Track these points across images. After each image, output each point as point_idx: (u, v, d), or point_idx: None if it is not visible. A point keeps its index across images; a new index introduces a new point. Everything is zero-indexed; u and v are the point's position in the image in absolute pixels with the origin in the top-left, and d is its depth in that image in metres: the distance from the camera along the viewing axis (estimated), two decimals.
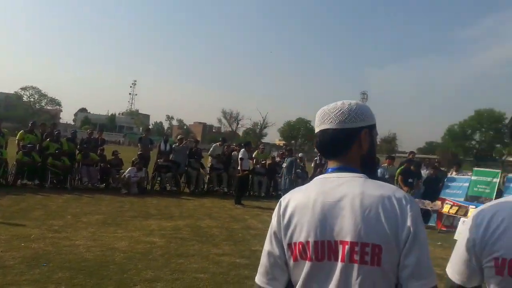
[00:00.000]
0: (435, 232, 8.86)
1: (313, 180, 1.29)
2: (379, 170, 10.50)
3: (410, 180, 10.16)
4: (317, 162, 13.63)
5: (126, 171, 11.19)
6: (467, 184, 9.93)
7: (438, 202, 9.56)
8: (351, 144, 1.24)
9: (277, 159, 14.11)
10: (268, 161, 13.56)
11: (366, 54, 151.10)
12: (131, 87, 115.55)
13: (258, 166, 12.96)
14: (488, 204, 1.24)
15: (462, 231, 1.24)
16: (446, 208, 9.20)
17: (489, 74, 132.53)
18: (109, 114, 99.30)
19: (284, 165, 11.75)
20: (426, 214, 9.93)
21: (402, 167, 10.67)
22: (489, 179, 9.71)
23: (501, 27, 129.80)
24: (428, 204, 9.50)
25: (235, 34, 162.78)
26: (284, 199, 1.26)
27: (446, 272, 1.27)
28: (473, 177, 10.05)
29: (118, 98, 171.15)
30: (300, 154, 14.41)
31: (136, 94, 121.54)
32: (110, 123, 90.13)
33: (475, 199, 9.42)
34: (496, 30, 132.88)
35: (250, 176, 11.62)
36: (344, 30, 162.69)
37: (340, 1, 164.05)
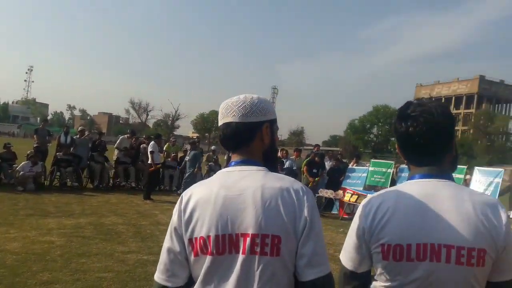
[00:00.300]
0: (337, 219, 9.50)
1: (216, 173, 1.30)
2: (287, 162, 10.93)
3: (314, 170, 10.77)
4: (230, 155, 13.69)
5: (20, 165, 10.13)
6: (365, 175, 10.81)
7: (340, 192, 10.27)
8: (253, 138, 1.26)
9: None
10: (180, 154, 13.29)
11: (276, 51, 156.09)
12: (26, 73, 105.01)
13: (169, 159, 12.63)
14: (376, 193, 1.32)
15: (354, 220, 1.32)
16: (347, 197, 9.92)
17: (386, 72, 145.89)
18: (1, 103, 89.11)
19: (187, 158, 11.61)
20: (329, 203, 10.63)
21: (308, 159, 11.25)
22: (384, 169, 10.68)
23: (397, 30, 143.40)
24: (331, 194, 10.16)
25: (149, 18, 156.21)
26: (185, 194, 1.25)
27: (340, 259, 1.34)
28: (371, 168, 10.98)
29: (11, 85, 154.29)
30: (213, 147, 14.35)
31: (32, 81, 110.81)
32: (2, 113, 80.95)
33: (372, 188, 10.30)
34: (394, 32, 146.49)
35: (161, 169, 11.27)
36: (256, 25, 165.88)
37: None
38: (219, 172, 1.29)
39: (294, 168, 11.11)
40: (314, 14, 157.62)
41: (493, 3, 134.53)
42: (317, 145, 13.24)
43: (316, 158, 11.02)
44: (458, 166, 10.69)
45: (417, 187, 1.24)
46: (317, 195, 10.33)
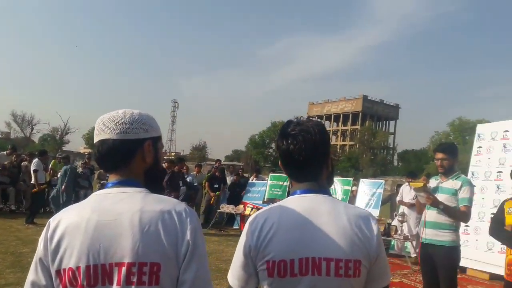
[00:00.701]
0: (239, 235, 9.53)
1: (89, 196, 1.20)
2: (188, 178, 10.74)
3: (216, 185, 10.77)
4: None
5: None
6: (264, 188, 11.10)
7: (241, 206, 10.38)
8: (132, 157, 1.18)
9: (79, 169, 12.82)
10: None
11: (178, 64, 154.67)
12: None
13: (55, 178, 11.49)
14: (261, 210, 1.35)
15: (241, 237, 1.31)
16: (247, 211, 10.06)
17: (283, 89, 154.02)
18: None
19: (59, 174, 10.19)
20: (231, 218, 10.67)
21: (209, 174, 11.21)
22: (281, 182, 11.08)
23: (292, 50, 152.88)
24: (232, 209, 10.22)
25: (32, 23, 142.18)
26: (54, 220, 1.14)
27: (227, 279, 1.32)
28: (269, 182, 11.33)
29: None
30: None
31: None
32: None
33: (271, 201, 10.59)
34: (289, 52, 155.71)
35: (46, 190, 10.17)
36: (154, 38, 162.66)
37: (147, 14, 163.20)
38: (93, 195, 1.19)
39: (195, 184, 10.97)
40: (216, 31, 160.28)
41: (372, 31, 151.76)
42: (218, 160, 13.31)
43: (217, 173, 11.05)
44: (346, 178, 11.50)
45: (299, 203, 1.29)
46: (218, 210, 10.32)
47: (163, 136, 1.73)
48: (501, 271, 3.40)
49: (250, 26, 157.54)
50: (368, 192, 10.03)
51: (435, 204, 3.49)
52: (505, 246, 3.63)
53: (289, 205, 1.30)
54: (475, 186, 6.94)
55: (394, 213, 8.63)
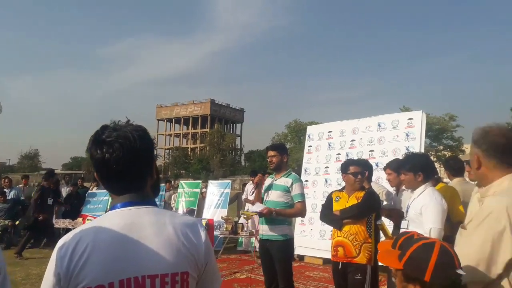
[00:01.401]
0: None
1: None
2: (11, 192, 9.19)
3: (50, 199, 9.45)
4: None
5: None
6: (107, 198, 10.26)
7: (80, 219, 9.35)
8: None
9: None
10: None
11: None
12: None
13: None
14: (72, 232, 1.18)
15: (48, 266, 1.12)
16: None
17: (129, 91, 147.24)
18: None
19: None
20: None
21: (40, 186, 9.78)
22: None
23: (137, 51, 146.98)
24: (69, 223, 9.10)
25: None
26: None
27: None
28: None
29: None
30: None
31: None
32: None
33: None
34: (133, 53, 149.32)
35: None
36: None
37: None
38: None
39: (22, 198, 9.46)
40: (51, 27, 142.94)
41: (217, 37, 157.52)
42: (49, 170, 11.69)
43: (51, 185, 9.70)
44: (194, 181, 11.51)
45: (118, 218, 1.17)
46: (55, 226, 9.07)
47: None
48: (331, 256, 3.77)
49: (89, 23, 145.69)
50: (216, 193, 10.23)
51: (268, 214, 3.74)
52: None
53: (107, 221, 1.18)
54: (307, 181, 7.78)
55: (240, 211, 8.98)
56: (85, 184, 11.89)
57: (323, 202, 3.96)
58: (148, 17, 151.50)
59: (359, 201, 3.54)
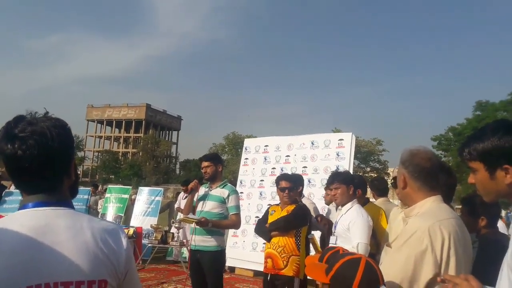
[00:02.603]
0: None
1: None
2: None
3: None
4: None
5: None
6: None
7: None
8: None
9: None
10: None
11: None
12: None
13: None
14: None
15: None
16: None
17: (57, 88, 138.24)
18: None
19: None
20: None
21: None
22: None
23: (68, 47, 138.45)
24: None
25: None
26: None
27: None
28: None
29: None
30: None
31: None
32: None
33: None
34: (64, 49, 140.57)
35: None
36: None
37: None
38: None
39: None
40: None
41: (156, 42, 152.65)
42: None
43: None
44: (124, 186, 11.09)
45: (28, 219, 1.07)
46: None
47: None
48: (262, 268, 3.82)
49: (19, 11, 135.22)
50: (146, 200, 9.91)
51: (204, 225, 3.71)
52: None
53: (15, 222, 1.06)
54: (242, 192, 7.84)
55: (172, 220, 8.78)
56: (4, 182, 10.92)
57: (257, 214, 4.03)
58: (84, 12, 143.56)
59: (291, 213, 3.64)
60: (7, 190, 9.87)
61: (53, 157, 1.09)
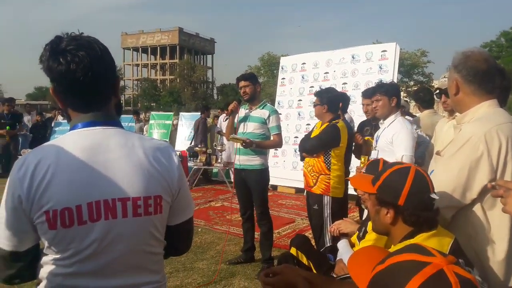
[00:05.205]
0: None
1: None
2: None
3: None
4: None
5: None
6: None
7: None
8: None
9: None
10: None
11: None
12: None
13: None
14: (31, 151, 1.09)
15: (6, 188, 1.04)
16: None
17: (89, 18, 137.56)
18: None
19: None
20: None
21: None
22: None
23: None
24: None
25: None
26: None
27: None
28: None
29: None
30: None
31: None
32: None
33: None
34: None
35: None
36: None
37: None
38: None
39: None
40: None
41: None
42: (9, 99, 10.93)
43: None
44: (167, 112, 11.34)
45: (81, 138, 1.08)
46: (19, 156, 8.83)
47: None
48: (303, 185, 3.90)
49: None
50: (187, 125, 10.14)
51: (248, 146, 3.71)
52: None
53: (70, 141, 1.08)
54: (280, 114, 7.77)
55: (214, 143, 9.00)
56: (48, 114, 11.46)
57: (296, 135, 4.01)
58: None
59: (318, 134, 3.61)
60: (55, 121, 10.38)
61: (105, 68, 1.09)
